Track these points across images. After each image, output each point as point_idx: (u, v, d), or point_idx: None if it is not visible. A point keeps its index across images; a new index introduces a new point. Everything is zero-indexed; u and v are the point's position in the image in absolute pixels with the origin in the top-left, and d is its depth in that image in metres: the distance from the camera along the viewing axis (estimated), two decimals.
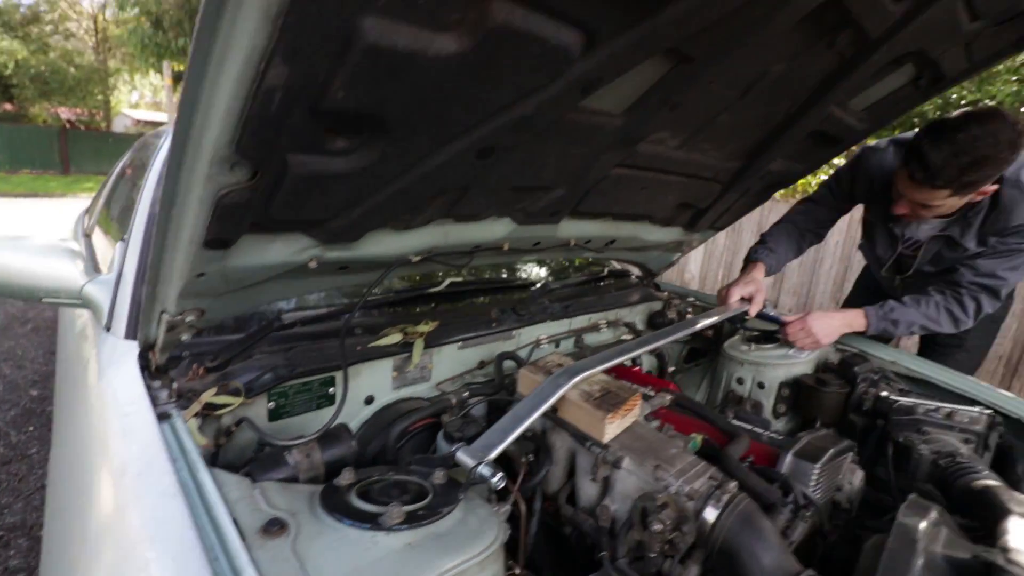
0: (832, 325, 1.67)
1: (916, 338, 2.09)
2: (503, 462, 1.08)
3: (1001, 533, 0.92)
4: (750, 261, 1.87)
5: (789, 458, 1.03)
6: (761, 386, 1.71)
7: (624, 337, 1.96)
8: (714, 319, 1.64)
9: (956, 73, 1.47)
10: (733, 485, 0.89)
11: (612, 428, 0.97)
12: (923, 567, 0.83)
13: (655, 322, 2.05)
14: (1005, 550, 0.85)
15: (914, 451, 1.32)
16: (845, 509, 1.15)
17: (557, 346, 1.66)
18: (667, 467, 0.92)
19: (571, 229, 1.52)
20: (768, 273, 1.87)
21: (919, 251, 1.74)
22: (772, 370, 1.70)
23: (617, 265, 2.42)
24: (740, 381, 1.77)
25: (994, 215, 1.51)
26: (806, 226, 1.92)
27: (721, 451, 1.04)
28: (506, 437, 0.89)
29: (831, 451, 1.06)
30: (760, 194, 1.91)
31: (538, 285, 1.79)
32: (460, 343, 1.33)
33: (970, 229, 1.56)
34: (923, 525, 0.90)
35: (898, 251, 1.77)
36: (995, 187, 1.45)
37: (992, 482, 1.12)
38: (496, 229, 1.29)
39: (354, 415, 1.16)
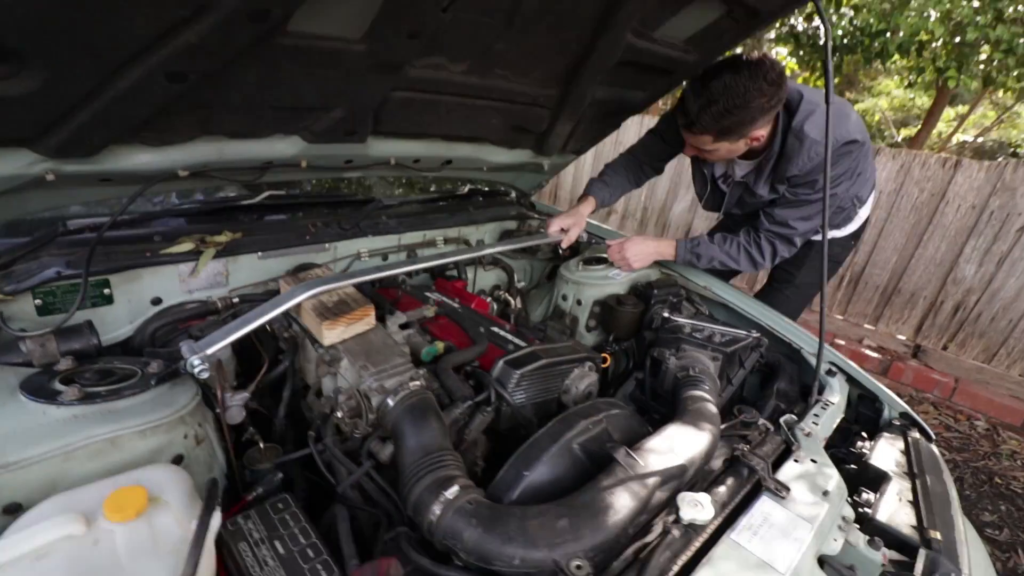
0: (645, 251, 1.80)
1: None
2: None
3: (653, 436, 1.11)
4: (585, 195, 1.96)
5: (499, 364, 1.19)
6: (579, 303, 1.88)
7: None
8: (524, 244, 1.78)
9: (771, 7, 1.47)
10: (417, 384, 1.05)
11: (333, 334, 1.12)
12: (558, 449, 1.02)
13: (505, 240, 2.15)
14: (633, 448, 1.04)
15: (664, 364, 1.51)
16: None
17: (385, 259, 1.77)
18: (370, 367, 1.08)
19: (385, 148, 1.57)
20: (601, 206, 1.98)
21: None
22: (588, 289, 1.85)
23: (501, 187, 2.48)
24: (564, 298, 1.93)
25: (781, 164, 1.59)
26: (645, 159, 1.98)
27: (442, 357, 1.20)
28: (227, 337, 1.03)
29: (543, 361, 1.22)
30: (605, 119, 1.94)
31: (379, 200, 1.85)
32: (260, 253, 1.44)
33: (762, 176, 1.65)
34: (582, 423, 1.09)
35: (708, 189, 1.86)
36: (761, 133, 1.50)
37: (694, 392, 1.32)
38: (283, 147, 1.35)
39: (140, 314, 1.29)
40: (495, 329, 1.44)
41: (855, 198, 1.88)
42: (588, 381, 1.33)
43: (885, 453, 1.35)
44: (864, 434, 1.48)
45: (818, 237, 1.99)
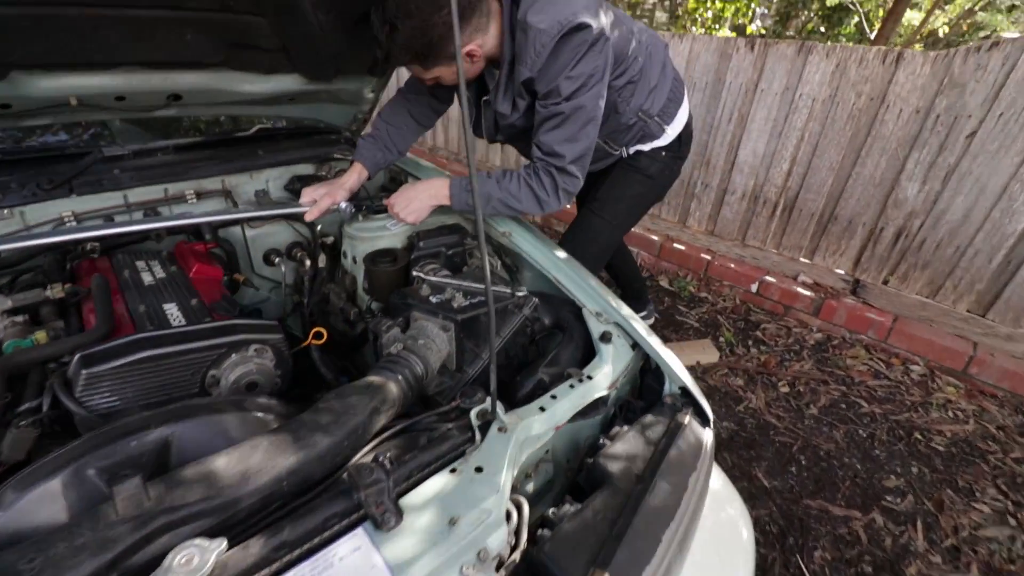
0: (417, 199, 1.48)
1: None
2: None
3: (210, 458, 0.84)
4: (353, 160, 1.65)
5: (73, 361, 0.93)
6: (355, 260, 1.59)
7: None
8: (258, 214, 1.57)
9: None
10: None
11: None
12: (65, 479, 0.77)
13: (292, 188, 1.83)
14: (172, 476, 0.78)
15: (379, 338, 1.24)
16: None
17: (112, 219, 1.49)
18: None
19: (50, 85, 1.26)
20: (376, 169, 1.65)
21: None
22: (361, 244, 1.56)
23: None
24: (344, 255, 1.64)
25: (516, 68, 1.26)
26: (426, 87, 1.59)
27: None
28: None
29: (140, 355, 0.95)
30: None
31: (98, 151, 1.54)
32: None
33: (499, 89, 1.32)
34: (119, 443, 0.83)
35: (476, 111, 1.51)
36: (475, 47, 1.23)
37: (351, 386, 1.03)
38: None
39: None
40: (168, 307, 1.18)
41: (639, 111, 1.51)
42: (243, 370, 1.07)
43: (630, 445, 1.07)
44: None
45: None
